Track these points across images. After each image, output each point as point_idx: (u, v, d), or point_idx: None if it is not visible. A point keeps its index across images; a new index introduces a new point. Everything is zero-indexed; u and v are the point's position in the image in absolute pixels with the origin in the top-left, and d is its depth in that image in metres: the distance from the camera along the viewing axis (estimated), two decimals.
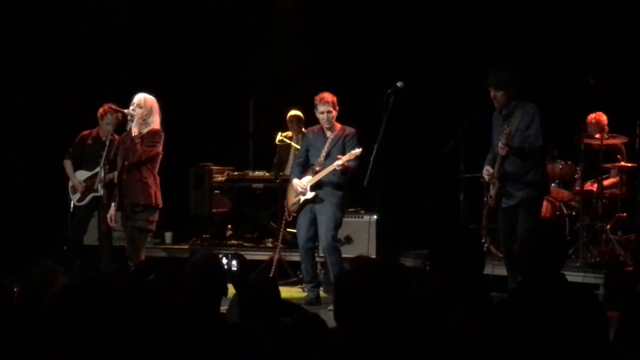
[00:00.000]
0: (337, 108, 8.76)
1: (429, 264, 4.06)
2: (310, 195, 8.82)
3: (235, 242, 11.34)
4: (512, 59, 9.60)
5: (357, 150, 8.54)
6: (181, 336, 3.87)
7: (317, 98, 8.78)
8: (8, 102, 11.38)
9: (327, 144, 8.81)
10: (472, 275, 3.78)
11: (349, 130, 8.80)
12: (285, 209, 9.29)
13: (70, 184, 9.77)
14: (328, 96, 8.74)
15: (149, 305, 3.70)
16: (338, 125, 8.83)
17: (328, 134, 8.84)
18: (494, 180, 7.90)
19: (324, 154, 8.81)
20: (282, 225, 9.67)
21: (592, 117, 9.74)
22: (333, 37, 11.86)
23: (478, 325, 3.45)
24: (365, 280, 3.19)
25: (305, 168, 8.98)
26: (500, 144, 7.72)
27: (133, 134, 8.02)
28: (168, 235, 11.51)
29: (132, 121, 8.07)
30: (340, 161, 8.51)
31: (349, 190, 8.84)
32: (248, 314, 4.70)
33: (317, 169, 8.80)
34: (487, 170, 8.00)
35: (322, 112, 8.75)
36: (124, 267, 8.16)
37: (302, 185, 8.82)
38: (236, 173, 11.60)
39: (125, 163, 8.04)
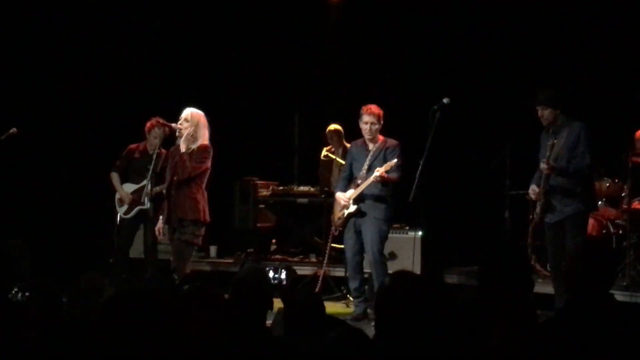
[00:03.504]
0: (382, 122, 8.74)
1: (477, 280, 4.05)
2: (353, 208, 8.80)
3: (280, 256, 11.37)
4: (559, 77, 9.59)
5: (393, 161, 8.49)
6: (225, 349, 3.89)
7: (364, 108, 8.75)
8: (58, 114, 11.51)
9: (370, 157, 8.79)
10: (519, 293, 3.78)
11: (391, 142, 8.77)
12: (332, 224, 9.26)
13: (117, 196, 9.86)
14: (375, 108, 8.72)
15: (188, 317, 3.72)
16: (381, 138, 8.79)
17: (370, 146, 8.81)
18: (540, 197, 7.86)
19: (366, 166, 8.78)
20: (329, 240, 9.63)
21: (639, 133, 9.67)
22: (380, 51, 11.90)
23: (523, 343, 3.43)
24: (404, 293, 3.19)
25: (349, 182, 8.98)
26: (542, 162, 7.70)
27: (182, 150, 8.07)
28: (213, 249, 11.58)
29: (180, 136, 8.12)
30: (377, 172, 8.49)
31: (394, 202, 8.78)
32: (293, 329, 4.69)
33: (359, 182, 8.79)
34: (532, 190, 7.97)
35: (367, 123, 8.72)
36: (168, 279, 8.24)
37: (345, 199, 8.82)
38: (281, 188, 11.65)
39: (175, 179, 8.08)
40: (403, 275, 3.47)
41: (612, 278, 4.04)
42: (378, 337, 3.28)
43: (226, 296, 4.62)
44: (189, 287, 3.98)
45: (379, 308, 3.30)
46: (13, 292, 4.75)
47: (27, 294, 4.74)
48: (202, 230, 8.17)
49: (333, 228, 9.26)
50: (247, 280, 4.53)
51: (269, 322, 5.18)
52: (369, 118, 8.70)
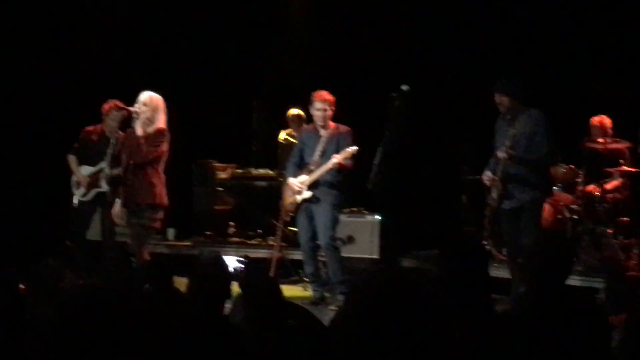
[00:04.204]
0: (334, 108, 8.75)
1: (438, 270, 4.10)
2: (307, 194, 8.82)
3: (238, 239, 11.36)
4: (516, 64, 9.65)
5: (353, 148, 8.52)
6: (183, 340, 3.90)
7: (315, 94, 8.77)
8: (12, 97, 11.38)
9: (322, 143, 8.79)
10: (477, 282, 3.84)
11: (344, 128, 8.78)
12: (283, 209, 9.27)
13: (74, 179, 9.79)
14: (326, 94, 8.73)
15: (149, 315, 3.72)
16: (332, 124, 8.80)
17: (322, 132, 8.82)
18: (495, 183, 7.92)
19: (318, 152, 8.79)
20: (280, 225, 9.66)
21: (596, 120, 9.77)
22: (339, 37, 11.90)
23: (482, 337, 3.48)
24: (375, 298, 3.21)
25: (299, 167, 8.99)
26: (503, 148, 7.75)
27: (138, 133, 8.02)
28: (171, 232, 11.53)
29: (138, 119, 8.07)
30: (335, 159, 8.51)
31: (345, 189, 8.84)
32: (251, 316, 4.71)
33: (312, 168, 8.79)
34: (486, 175, 8.03)
35: (319, 110, 8.73)
36: (126, 263, 8.21)
37: (299, 185, 8.84)
38: (239, 170, 11.65)
39: (131, 162, 8.04)
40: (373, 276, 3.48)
41: (568, 269, 4.10)
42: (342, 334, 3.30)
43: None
44: (150, 287, 3.98)
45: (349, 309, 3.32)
46: None
47: None
48: (160, 214, 8.14)
49: (284, 214, 9.27)
50: (206, 269, 4.55)
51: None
52: (320, 104, 8.71)
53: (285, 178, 9.16)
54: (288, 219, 9.29)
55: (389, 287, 3.34)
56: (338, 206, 8.88)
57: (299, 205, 8.92)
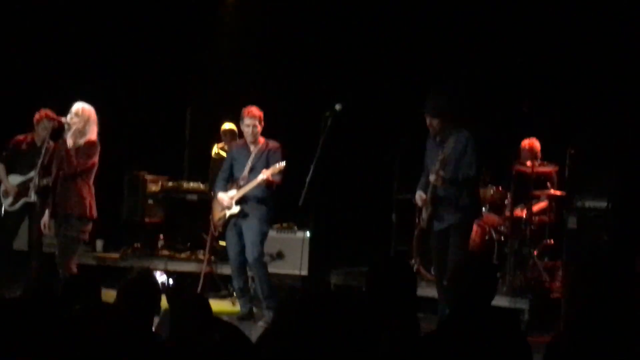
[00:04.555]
0: (263, 123, 8.81)
1: (365, 288, 4.14)
2: (235, 209, 8.84)
3: (167, 252, 11.30)
4: (446, 84, 9.78)
5: (281, 164, 8.58)
6: (110, 355, 3.89)
7: (244, 111, 8.83)
8: None
9: (251, 158, 8.84)
10: (403, 302, 3.89)
11: (273, 144, 8.84)
12: (212, 224, 9.26)
13: (2, 187, 9.67)
14: (255, 110, 8.79)
15: (76, 335, 3.70)
16: (262, 140, 8.86)
17: (252, 148, 8.87)
18: (427, 204, 8.01)
19: (248, 168, 8.83)
20: (209, 240, 9.62)
21: (525, 142, 9.92)
22: (273, 54, 11.94)
23: (406, 356, 3.52)
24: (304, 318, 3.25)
25: (229, 182, 9.00)
26: (433, 170, 7.84)
27: (68, 145, 7.97)
28: (99, 243, 11.43)
29: (69, 130, 8.01)
30: (264, 175, 8.55)
31: (274, 204, 8.88)
32: (179, 330, 4.70)
33: (242, 183, 8.82)
34: (419, 196, 8.12)
35: (248, 126, 8.79)
36: (53, 274, 8.12)
37: (228, 200, 8.84)
38: (170, 183, 11.60)
39: (60, 173, 7.97)
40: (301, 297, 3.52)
41: (492, 292, 4.17)
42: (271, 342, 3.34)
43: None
44: (80, 306, 3.95)
45: (280, 319, 3.36)
46: None
47: None
48: (89, 227, 8.10)
49: (212, 228, 9.27)
50: (136, 285, 4.53)
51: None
52: (249, 120, 8.77)
53: (215, 192, 9.15)
54: (217, 233, 9.28)
55: (316, 305, 3.39)
56: (267, 221, 8.91)
57: (227, 220, 8.92)
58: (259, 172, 8.62)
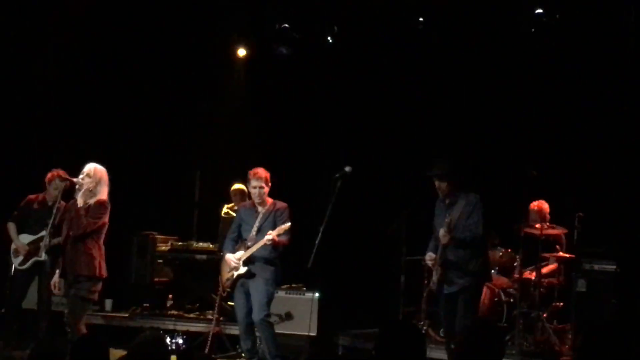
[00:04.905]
0: (270, 184, 8.85)
1: (374, 351, 4.15)
2: (242, 270, 8.85)
3: (176, 312, 11.28)
4: (454, 148, 9.84)
5: (286, 225, 8.59)
6: None
7: (250, 173, 8.88)
8: None
9: (259, 219, 8.87)
10: None
11: (280, 204, 8.87)
12: (220, 285, 9.26)
13: (13, 246, 9.72)
14: (261, 172, 8.83)
15: None
16: (270, 200, 8.90)
17: (259, 209, 8.90)
18: (436, 266, 8.02)
19: (255, 228, 8.85)
20: (217, 300, 9.60)
21: (534, 204, 9.94)
22: (283, 116, 12.04)
23: None
24: None
25: (237, 243, 9.02)
26: (441, 232, 7.87)
27: (78, 205, 8.01)
28: (108, 303, 11.42)
29: (79, 190, 8.06)
30: (270, 235, 8.57)
31: (281, 265, 8.87)
32: None
33: (249, 244, 8.84)
34: (429, 256, 8.14)
35: (255, 187, 8.83)
36: (62, 335, 8.11)
37: (235, 261, 8.87)
38: (180, 243, 11.64)
39: (70, 233, 8.00)
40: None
41: (499, 356, 4.17)
42: None
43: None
44: None
45: None
46: None
47: None
48: (99, 286, 8.10)
49: (221, 289, 9.26)
50: (144, 348, 4.55)
51: None
52: (256, 182, 8.82)
53: (223, 253, 9.18)
54: (225, 294, 9.26)
55: None
56: (274, 282, 8.89)
57: (235, 281, 8.92)
58: (266, 233, 8.65)
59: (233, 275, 8.90)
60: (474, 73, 10.91)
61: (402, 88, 11.37)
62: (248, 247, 8.83)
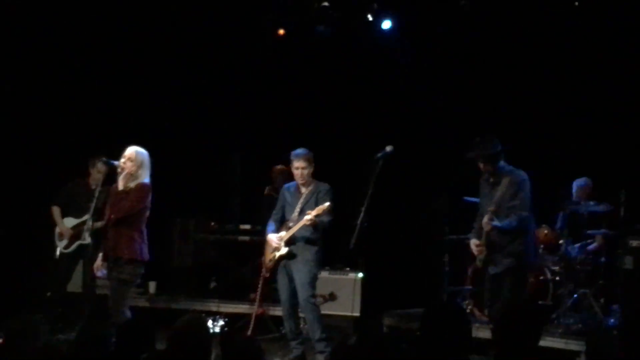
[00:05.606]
0: (313, 165, 8.81)
1: (420, 332, 4.11)
2: (284, 251, 8.82)
3: (218, 294, 11.31)
4: (497, 124, 9.73)
5: (325, 205, 8.53)
6: None
7: (292, 154, 8.85)
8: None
9: (302, 200, 8.84)
10: (458, 346, 3.86)
11: (323, 185, 8.83)
12: (263, 266, 9.22)
13: (57, 230, 9.80)
14: (304, 152, 8.79)
15: None
16: (313, 181, 8.86)
17: (303, 189, 8.87)
18: (482, 250, 7.90)
19: (298, 209, 8.82)
20: (260, 281, 9.60)
21: (579, 182, 9.83)
22: (324, 97, 11.99)
23: None
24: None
25: (281, 224, 9.00)
26: (484, 220, 7.78)
27: (120, 188, 8.02)
28: (152, 285, 11.49)
29: (121, 173, 8.07)
30: (308, 216, 8.53)
31: (323, 245, 8.81)
32: None
33: (291, 224, 8.82)
34: (473, 243, 8.02)
35: (297, 168, 8.80)
36: (105, 318, 8.14)
37: (277, 241, 8.84)
38: (222, 225, 11.64)
39: (112, 217, 8.02)
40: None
41: (535, 341, 4.11)
42: None
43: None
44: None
45: None
46: None
47: None
48: (141, 270, 8.08)
49: (264, 270, 9.21)
50: (186, 330, 4.53)
51: None
52: (298, 163, 8.78)
53: (266, 233, 9.17)
54: (268, 274, 9.22)
55: (370, 349, 3.37)
56: (316, 263, 8.84)
57: (277, 262, 8.90)
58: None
59: (275, 256, 8.88)
60: (514, 51, 10.79)
61: (443, 66, 11.27)
62: (289, 228, 8.80)
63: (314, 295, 8.85)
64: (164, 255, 11.26)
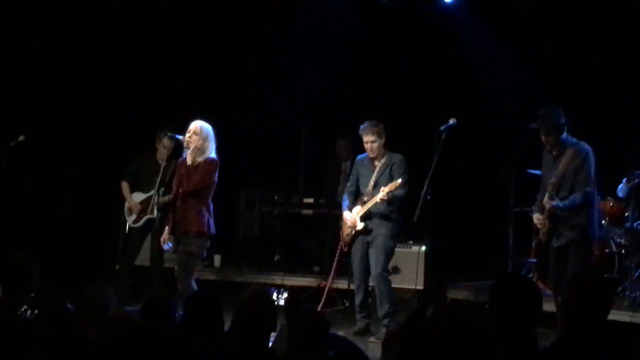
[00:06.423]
0: (384, 137, 8.75)
1: (488, 309, 4.11)
2: (360, 226, 8.80)
3: (283, 266, 11.41)
4: (560, 94, 9.62)
5: (397, 182, 8.48)
6: None
7: (361, 130, 8.79)
8: (68, 123, 11.57)
9: (375, 173, 8.80)
10: (526, 320, 3.86)
11: (397, 157, 8.76)
12: (341, 239, 9.18)
13: (126, 205, 9.96)
14: (373, 125, 8.73)
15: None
16: (386, 153, 8.81)
17: (376, 163, 8.81)
18: (545, 225, 7.84)
19: (372, 183, 8.79)
20: (337, 256, 9.56)
21: None
22: (388, 68, 11.96)
23: None
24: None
25: (356, 197, 8.99)
26: (545, 199, 7.71)
27: (188, 162, 8.10)
28: (217, 258, 11.62)
29: (188, 148, 8.15)
30: (382, 193, 8.50)
31: (400, 219, 8.76)
32: (296, 347, 4.76)
33: (365, 199, 8.78)
34: (537, 218, 7.96)
35: (367, 142, 8.75)
36: (172, 290, 8.27)
37: (352, 220, 8.86)
38: (286, 199, 11.71)
39: (180, 191, 8.11)
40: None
41: (607, 308, 4.09)
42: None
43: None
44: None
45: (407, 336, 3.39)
46: (22, 309, 4.82)
47: (35, 311, 4.82)
48: (207, 243, 8.17)
49: (342, 244, 9.17)
50: (252, 303, 4.60)
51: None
52: (367, 137, 8.74)
53: (342, 207, 9.14)
54: (346, 248, 9.10)
55: (440, 323, 3.39)
56: (392, 237, 8.77)
57: (354, 237, 8.89)
58: (383, 187, 8.57)
59: (352, 231, 8.91)
60: (581, 22, 10.65)
61: (507, 38, 11.17)
62: (364, 203, 8.79)
63: (386, 270, 8.85)
64: (229, 228, 11.36)
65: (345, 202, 9.06)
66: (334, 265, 9.63)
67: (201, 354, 3.99)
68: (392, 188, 8.48)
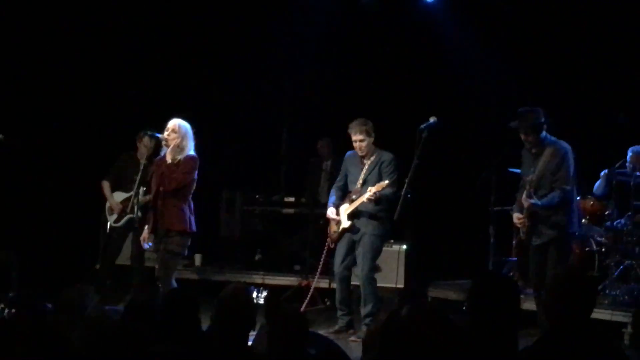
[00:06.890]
0: (373, 135, 8.71)
1: (467, 308, 4.10)
2: (346, 224, 8.78)
3: (264, 266, 11.38)
4: (541, 96, 9.64)
5: (384, 182, 8.47)
6: None
7: (350, 126, 8.77)
8: (47, 122, 11.50)
9: (364, 171, 8.78)
10: (506, 318, 3.85)
11: (386, 156, 8.73)
12: (329, 237, 9.15)
13: (107, 204, 9.92)
14: (360, 124, 8.71)
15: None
16: (376, 151, 8.78)
17: (365, 160, 8.79)
18: (524, 223, 7.85)
19: (360, 181, 8.77)
20: (324, 253, 9.53)
21: (636, 148, 9.66)
22: (369, 66, 11.96)
23: None
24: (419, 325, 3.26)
25: (344, 193, 8.97)
26: (523, 197, 7.72)
27: (168, 161, 8.07)
28: (198, 258, 11.58)
29: (167, 146, 8.11)
30: (369, 193, 8.49)
31: (388, 218, 8.69)
32: (276, 346, 4.74)
33: (354, 197, 8.77)
34: (516, 217, 7.96)
35: (355, 141, 8.74)
36: (153, 289, 8.25)
37: (336, 217, 8.83)
38: (268, 198, 11.69)
39: (160, 189, 8.08)
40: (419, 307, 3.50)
41: (591, 306, 4.08)
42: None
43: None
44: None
45: (386, 335, 3.37)
46: (0, 308, 4.80)
47: (13, 310, 4.80)
48: (188, 241, 8.15)
49: (329, 241, 9.14)
50: (231, 300, 4.58)
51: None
52: (355, 136, 8.72)
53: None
54: (332, 246, 9.07)
55: (421, 319, 3.38)
56: (379, 236, 8.76)
57: (341, 234, 8.87)
58: (371, 185, 8.57)
59: (339, 228, 8.89)
60: (559, 19, 10.69)
61: (488, 37, 11.19)
62: (352, 200, 8.77)
63: (372, 269, 8.82)
64: (211, 227, 11.34)
65: (332, 198, 9.04)
66: (321, 262, 9.57)
67: (180, 353, 3.96)
68: (379, 189, 8.47)
